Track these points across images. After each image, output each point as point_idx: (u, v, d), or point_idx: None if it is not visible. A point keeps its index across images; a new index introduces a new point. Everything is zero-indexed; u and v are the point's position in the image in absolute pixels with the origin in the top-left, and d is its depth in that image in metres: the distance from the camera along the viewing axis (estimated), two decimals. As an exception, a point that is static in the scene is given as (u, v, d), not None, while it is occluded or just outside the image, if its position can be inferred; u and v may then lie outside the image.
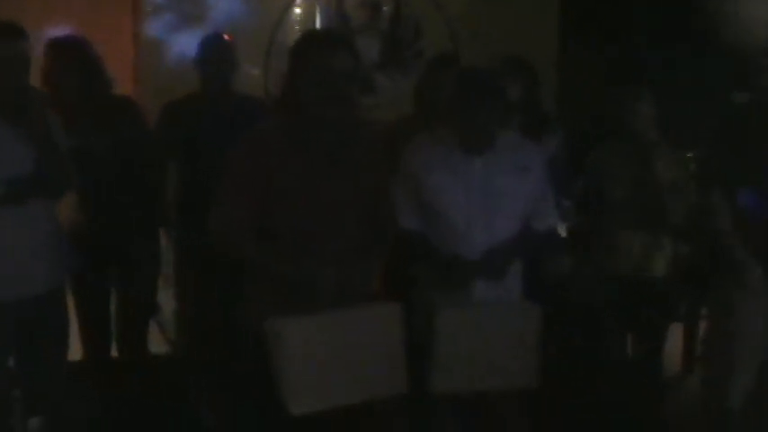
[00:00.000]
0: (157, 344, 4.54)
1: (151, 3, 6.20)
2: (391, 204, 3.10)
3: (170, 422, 4.01)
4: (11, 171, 3.08)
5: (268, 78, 5.83)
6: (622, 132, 4.10)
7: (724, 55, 3.87)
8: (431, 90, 3.85)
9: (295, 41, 3.00)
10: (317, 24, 5.99)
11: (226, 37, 4.27)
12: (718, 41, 5.52)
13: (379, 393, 2.84)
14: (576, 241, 4.29)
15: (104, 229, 3.82)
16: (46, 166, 3.13)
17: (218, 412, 4.00)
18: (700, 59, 5.98)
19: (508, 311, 3.23)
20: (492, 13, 6.56)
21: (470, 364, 3.08)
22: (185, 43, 6.04)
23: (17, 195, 3.10)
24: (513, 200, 3.25)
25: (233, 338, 3.00)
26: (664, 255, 4.09)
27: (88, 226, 3.77)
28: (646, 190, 4.03)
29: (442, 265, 3.22)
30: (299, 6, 6.36)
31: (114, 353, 4.09)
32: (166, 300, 4.35)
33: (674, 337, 4.58)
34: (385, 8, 6.53)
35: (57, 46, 3.81)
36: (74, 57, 3.77)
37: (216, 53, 4.12)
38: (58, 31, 5.48)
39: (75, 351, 3.79)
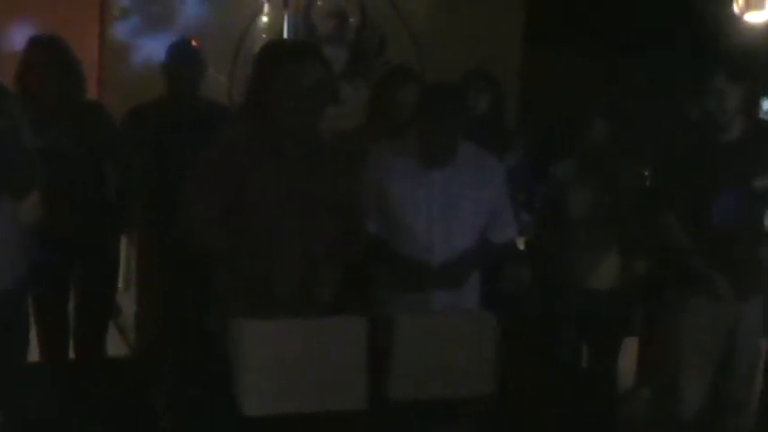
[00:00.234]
0: (116, 346, 4.52)
1: (118, 6, 6.18)
2: (359, 209, 3.13)
3: (128, 425, 4.00)
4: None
5: (234, 85, 5.85)
6: (582, 146, 4.17)
7: (686, 68, 3.94)
8: (386, 101, 3.87)
9: (261, 49, 3.02)
10: (285, 33, 6.02)
11: (194, 43, 4.29)
12: (683, 53, 5.63)
13: (338, 406, 2.86)
14: (534, 253, 4.35)
15: (66, 230, 3.81)
16: (9, 165, 3.12)
17: (178, 415, 4.00)
18: (664, 72, 6.08)
19: (465, 320, 3.26)
20: (456, 25, 6.63)
21: (428, 370, 3.11)
22: (152, 47, 6.03)
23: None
24: (472, 212, 3.30)
25: (199, 339, 3.02)
26: (620, 268, 4.13)
27: (50, 226, 3.76)
28: (603, 204, 4.08)
29: (401, 266, 3.25)
30: (267, 15, 6.38)
31: (72, 354, 4.08)
32: (127, 302, 4.35)
33: (630, 351, 4.64)
34: (351, 19, 6.58)
35: (38, 45, 3.80)
36: (54, 57, 3.76)
37: (184, 59, 4.14)
38: (24, 31, 5.47)
39: (33, 352, 3.77)
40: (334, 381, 2.84)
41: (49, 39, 3.87)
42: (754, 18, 6.47)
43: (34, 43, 3.81)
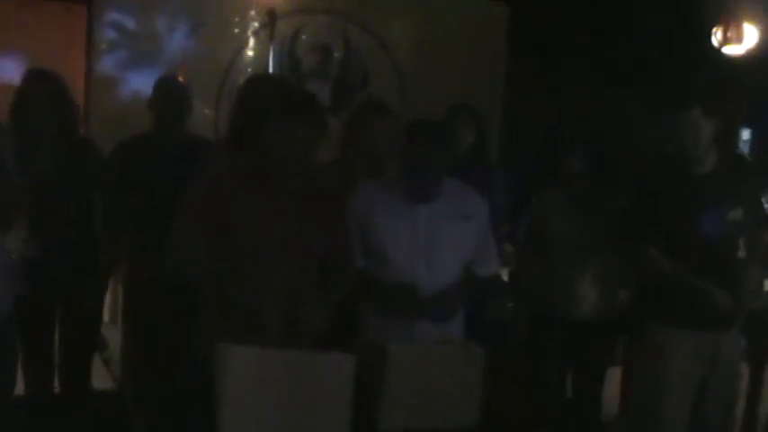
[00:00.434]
0: (102, 380, 4.51)
1: (105, 40, 6.22)
2: (347, 241, 3.16)
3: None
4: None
5: (219, 119, 5.89)
6: (564, 177, 4.21)
7: (663, 101, 3.99)
8: (359, 134, 3.83)
9: (250, 83, 3.05)
10: (270, 67, 6.06)
11: (180, 78, 4.31)
12: (661, 86, 5.69)
13: None
14: (518, 284, 4.38)
15: (52, 261, 3.81)
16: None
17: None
18: (643, 104, 6.14)
19: (453, 351, 3.29)
20: (439, 59, 6.70)
21: (417, 401, 3.13)
22: (138, 81, 6.07)
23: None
24: (456, 247, 3.33)
25: (183, 372, 3.02)
26: (603, 298, 4.15)
27: (36, 258, 3.77)
28: (586, 234, 4.10)
29: (388, 292, 3.26)
30: (252, 48, 6.44)
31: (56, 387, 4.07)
32: (113, 335, 4.34)
33: (613, 380, 4.66)
34: (336, 53, 6.64)
35: (34, 78, 3.81)
36: (50, 90, 3.78)
37: (170, 95, 4.15)
38: (11, 63, 5.49)
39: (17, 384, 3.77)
40: (317, 415, 2.86)
41: (46, 72, 3.89)
42: (732, 51, 6.60)
43: (31, 76, 3.83)
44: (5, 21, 5.90)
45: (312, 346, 2.94)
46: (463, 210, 3.35)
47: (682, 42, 6.53)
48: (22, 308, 3.65)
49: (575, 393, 4.35)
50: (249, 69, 6.25)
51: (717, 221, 3.55)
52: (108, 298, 4.34)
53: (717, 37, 6.60)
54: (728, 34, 6.53)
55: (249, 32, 6.46)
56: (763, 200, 3.95)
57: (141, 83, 5.85)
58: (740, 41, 6.55)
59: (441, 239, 3.28)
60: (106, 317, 4.19)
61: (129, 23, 6.28)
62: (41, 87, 3.77)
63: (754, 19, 6.49)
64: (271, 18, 6.07)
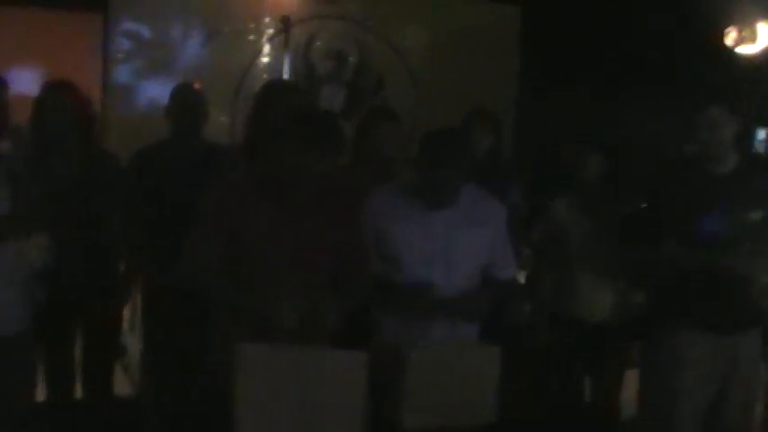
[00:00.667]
0: (121, 386, 4.54)
1: (120, 49, 6.26)
2: (364, 250, 3.17)
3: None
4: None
5: (235, 126, 5.91)
6: (577, 184, 4.22)
7: (680, 101, 3.97)
8: (368, 140, 3.87)
9: (265, 91, 3.05)
10: (285, 74, 6.09)
11: (196, 86, 4.34)
12: (677, 86, 5.68)
13: None
14: (534, 287, 4.38)
15: (72, 270, 3.84)
16: (19, 207, 3.17)
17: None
18: (659, 104, 6.13)
19: (471, 351, 3.30)
20: (453, 64, 6.71)
21: (437, 400, 3.13)
22: (153, 90, 6.11)
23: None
24: (473, 253, 3.32)
25: (200, 378, 3.05)
26: (619, 300, 4.16)
27: (55, 268, 3.80)
28: (602, 237, 4.11)
29: (405, 292, 3.25)
30: (267, 55, 6.47)
31: (78, 395, 4.10)
32: (132, 342, 4.37)
33: (632, 383, 4.65)
34: (350, 59, 6.67)
35: (53, 89, 3.86)
36: (69, 102, 3.82)
37: (187, 103, 4.17)
38: (27, 74, 5.53)
39: (39, 392, 3.80)
40: (331, 415, 2.86)
41: (64, 83, 3.93)
42: (746, 51, 6.59)
43: (50, 87, 3.87)
44: (22, 30, 5.96)
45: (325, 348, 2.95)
46: (480, 215, 3.34)
47: (696, 42, 6.52)
48: (43, 316, 3.70)
49: (592, 396, 4.36)
50: (264, 76, 6.27)
51: (737, 221, 3.54)
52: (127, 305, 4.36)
53: (731, 37, 6.59)
54: (743, 34, 6.52)
55: (264, 39, 6.50)
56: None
57: (157, 91, 5.88)
58: (754, 41, 6.54)
59: (457, 246, 3.28)
60: (125, 324, 4.21)
61: (145, 32, 6.33)
62: (60, 98, 3.81)
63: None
64: (285, 25, 6.11)
